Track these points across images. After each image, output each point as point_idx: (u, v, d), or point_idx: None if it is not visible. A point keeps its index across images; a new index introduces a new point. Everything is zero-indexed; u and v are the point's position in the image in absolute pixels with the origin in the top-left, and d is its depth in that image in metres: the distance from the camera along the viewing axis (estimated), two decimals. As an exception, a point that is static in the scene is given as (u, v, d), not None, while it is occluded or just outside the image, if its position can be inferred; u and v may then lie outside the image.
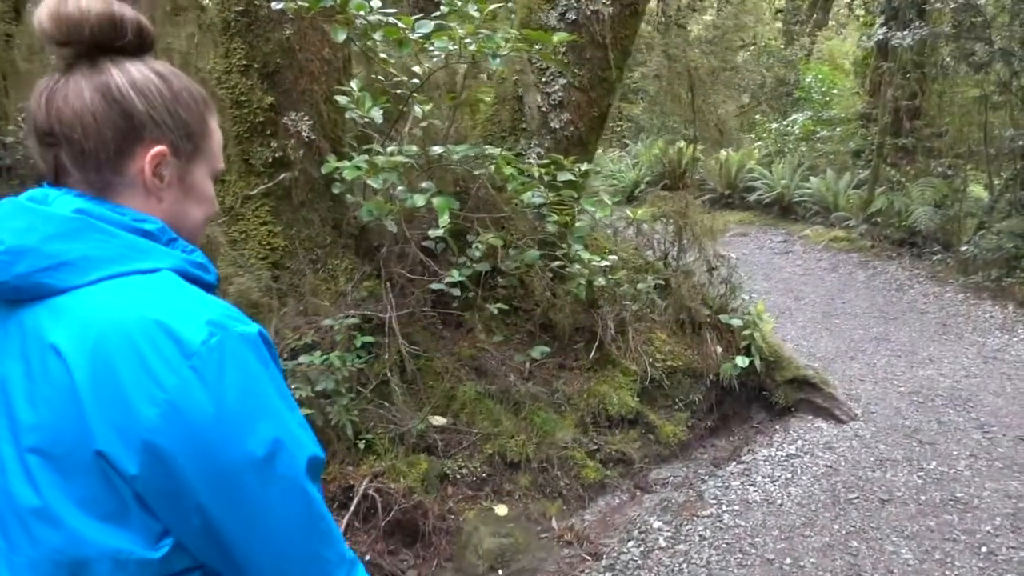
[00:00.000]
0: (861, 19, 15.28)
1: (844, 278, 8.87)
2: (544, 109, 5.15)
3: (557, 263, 4.52)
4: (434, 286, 3.76)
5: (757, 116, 15.24)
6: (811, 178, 12.09)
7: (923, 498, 3.89)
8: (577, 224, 3.85)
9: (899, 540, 3.56)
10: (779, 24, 22.71)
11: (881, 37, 8.57)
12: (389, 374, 3.84)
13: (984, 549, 3.51)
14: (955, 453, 4.37)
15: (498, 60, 3.39)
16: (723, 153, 13.89)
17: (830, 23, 20.30)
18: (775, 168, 12.92)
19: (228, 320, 0.86)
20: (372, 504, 3.48)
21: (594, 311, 4.92)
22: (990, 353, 6.20)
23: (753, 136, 14.54)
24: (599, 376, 4.85)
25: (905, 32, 7.94)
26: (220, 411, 0.82)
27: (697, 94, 10.27)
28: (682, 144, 14.71)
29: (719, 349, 5.17)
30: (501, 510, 3.79)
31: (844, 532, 3.65)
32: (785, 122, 13.41)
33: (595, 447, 4.51)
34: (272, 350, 0.91)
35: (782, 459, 4.43)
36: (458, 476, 3.92)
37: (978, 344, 6.44)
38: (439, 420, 4.12)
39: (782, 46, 17.88)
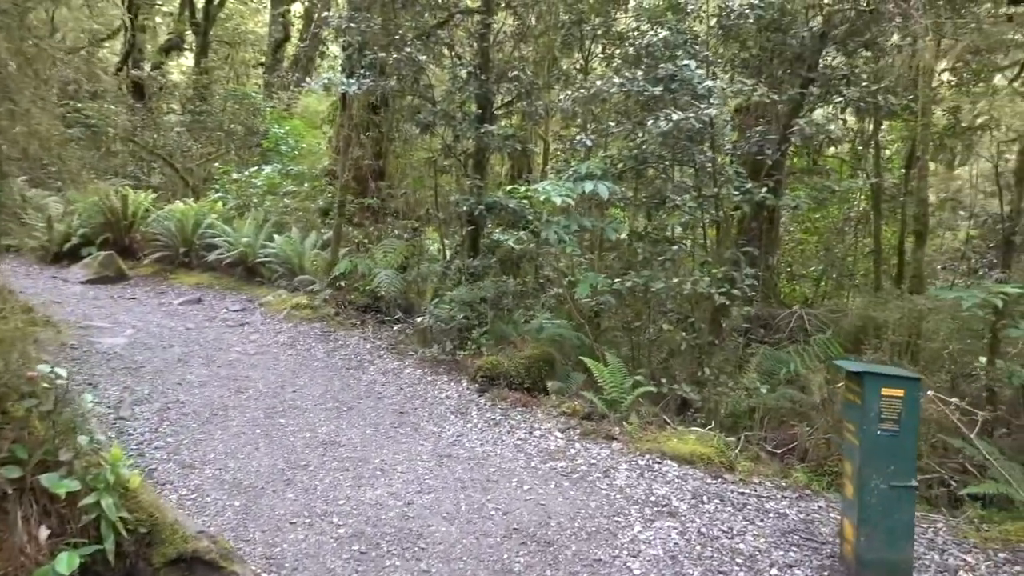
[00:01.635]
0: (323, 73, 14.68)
1: (302, 356, 7.43)
2: None
3: None
4: None
5: (217, 164, 13.31)
6: (275, 236, 10.62)
7: None
8: None
9: None
10: (262, 77, 21.52)
11: (326, 83, 7.50)
12: None
13: None
14: (398, 649, 3.00)
15: None
16: (178, 204, 11.60)
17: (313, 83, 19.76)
18: (238, 224, 11.15)
19: None
20: None
21: None
22: (446, 448, 5.25)
23: (217, 187, 12.56)
24: None
25: (351, 80, 6.94)
26: None
27: None
28: (128, 191, 11.98)
29: (45, 534, 3.01)
30: None
31: None
32: (247, 173, 11.75)
33: None
34: None
35: None
36: None
37: (434, 436, 5.48)
38: None
39: (254, 95, 16.43)
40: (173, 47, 23.25)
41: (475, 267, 7.36)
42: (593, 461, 5.00)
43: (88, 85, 16.57)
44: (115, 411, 5.53)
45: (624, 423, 5.55)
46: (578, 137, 6.77)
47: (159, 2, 23.94)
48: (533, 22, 9.44)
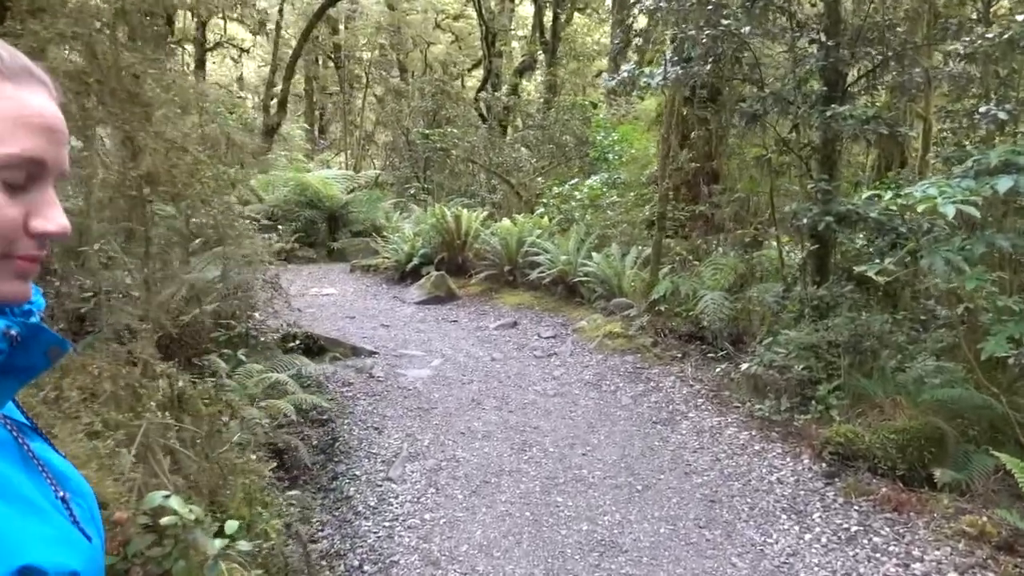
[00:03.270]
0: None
1: (605, 400, 6.25)
2: None
3: None
4: None
5: (539, 179, 12.82)
6: (594, 254, 9.66)
7: None
8: None
9: None
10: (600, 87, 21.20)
11: (626, 75, 6.19)
12: None
13: None
14: None
15: None
16: (504, 222, 11.32)
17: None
18: (559, 240, 10.46)
19: None
20: None
21: None
22: (769, 575, 3.61)
23: (543, 201, 12.10)
24: None
25: (657, 71, 5.55)
26: None
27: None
28: (462, 210, 12.09)
29: None
30: None
31: None
32: (568, 185, 10.99)
33: None
34: None
35: None
36: None
37: (754, 550, 3.84)
38: None
39: (588, 104, 15.91)
40: (526, 68, 24.14)
41: (821, 298, 5.42)
42: (1024, 653, 2.94)
43: (444, 112, 17.59)
44: (387, 468, 4.94)
45: (1081, 575, 3.29)
46: (982, 109, 4.47)
47: (513, 28, 25.08)
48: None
